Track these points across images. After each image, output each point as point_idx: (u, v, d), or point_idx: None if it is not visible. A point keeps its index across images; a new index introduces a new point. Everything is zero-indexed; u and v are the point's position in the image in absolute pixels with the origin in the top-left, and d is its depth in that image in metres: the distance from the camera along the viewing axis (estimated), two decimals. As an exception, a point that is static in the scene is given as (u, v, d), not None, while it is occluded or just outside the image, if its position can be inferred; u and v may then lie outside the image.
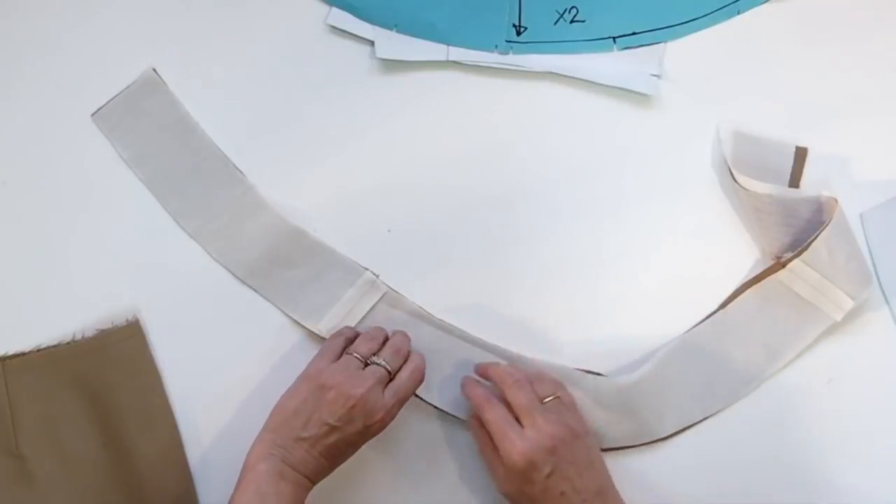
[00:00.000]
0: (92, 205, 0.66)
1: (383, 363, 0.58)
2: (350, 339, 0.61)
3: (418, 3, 0.68)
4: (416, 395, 0.63)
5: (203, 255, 0.65)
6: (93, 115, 0.67)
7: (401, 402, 0.58)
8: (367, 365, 0.59)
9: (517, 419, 0.57)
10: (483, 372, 0.62)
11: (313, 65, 0.68)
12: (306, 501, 0.56)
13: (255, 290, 0.65)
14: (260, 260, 0.65)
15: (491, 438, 0.58)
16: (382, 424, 0.57)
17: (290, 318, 0.65)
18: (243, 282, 0.65)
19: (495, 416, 0.58)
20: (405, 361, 0.60)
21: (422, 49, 0.68)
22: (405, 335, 0.62)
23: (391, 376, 0.59)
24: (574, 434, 0.57)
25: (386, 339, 0.61)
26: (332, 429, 0.56)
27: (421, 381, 0.60)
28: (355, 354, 0.59)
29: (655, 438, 0.64)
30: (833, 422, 0.65)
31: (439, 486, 0.64)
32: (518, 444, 0.56)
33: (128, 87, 0.67)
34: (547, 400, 0.58)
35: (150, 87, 0.67)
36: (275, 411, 0.58)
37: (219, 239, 0.65)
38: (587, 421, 0.62)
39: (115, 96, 0.67)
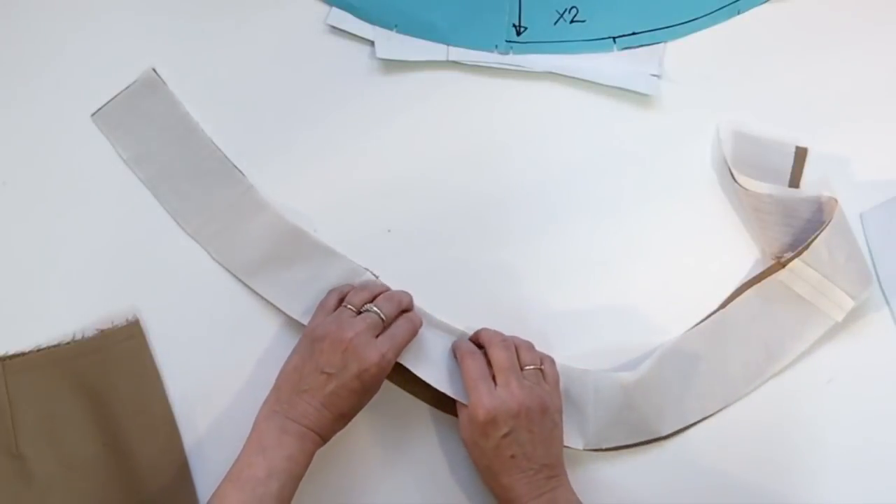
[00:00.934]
0: (92, 205, 0.66)
1: (375, 310, 0.59)
2: (344, 294, 0.62)
3: (418, 3, 0.68)
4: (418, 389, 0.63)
5: (203, 255, 0.65)
6: (93, 115, 0.67)
7: (395, 349, 0.58)
8: (359, 314, 0.59)
9: (494, 378, 0.59)
10: (475, 336, 0.63)
11: (313, 65, 0.68)
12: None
13: (255, 290, 0.65)
14: (260, 260, 0.65)
15: None
16: (379, 370, 0.57)
17: (290, 317, 0.64)
18: (243, 282, 0.65)
19: (472, 367, 0.59)
20: (402, 313, 0.61)
21: (422, 49, 0.68)
22: (407, 293, 0.62)
23: (386, 324, 0.59)
24: (542, 407, 0.58)
25: (381, 294, 0.62)
26: (329, 377, 0.56)
27: (416, 330, 0.61)
28: (348, 305, 0.60)
29: (655, 437, 0.64)
30: (833, 422, 0.65)
31: (435, 485, 0.64)
32: (485, 399, 0.57)
33: (128, 87, 0.67)
34: (528, 368, 0.60)
35: (150, 87, 0.67)
36: (279, 373, 0.59)
37: (219, 239, 0.65)
38: (582, 418, 0.62)
39: (115, 96, 0.67)
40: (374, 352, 0.57)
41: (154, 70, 0.67)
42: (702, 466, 0.64)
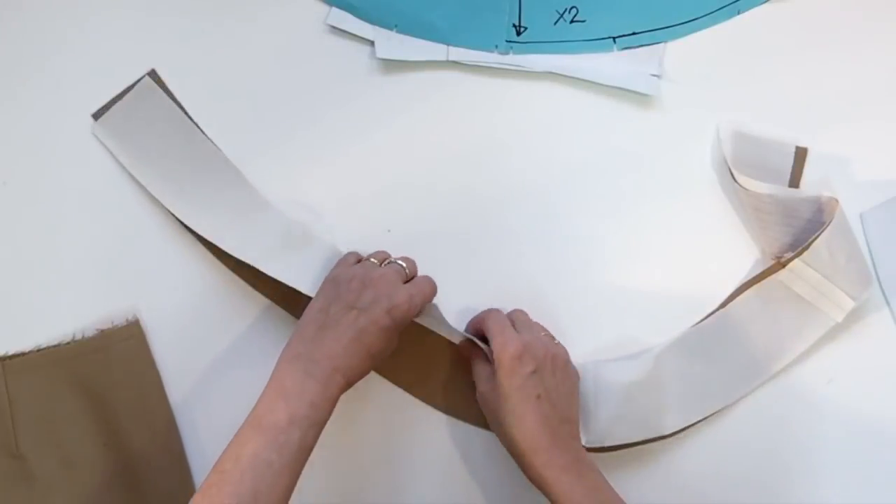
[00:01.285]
0: (92, 204, 0.66)
1: (400, 263, 0.60)
2: (361, 257, 0.63)
3: (418, 3, 0.68)
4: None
5: (203, 254, 0.65)
6: (93, 119, 0.67)
7: (421, 296, 0.58)
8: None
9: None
10: None
11: (313, 65, 0.68)
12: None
13: (256, 289, 0.65)
14: (260, 259, 0.65)
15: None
16: (409, 308, 0.56)
17: (292, 316, 0.64)
18: (243, 281, 0.65)
19: (496, 318, 0.61)
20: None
21: (422, 49, 0.68)
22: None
23: (408, 278, 0.60)
24: (564, 360, 0.60)
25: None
26: (359, 312, 0.55)
27: (435, 290, 0.60)
28: (371, 259, 0.61)
29: (655, 436, 0.64)
30: (833, 422, 0.65)
31: (438, 483, 0.64)
32: (511, 338, 0.58)
33: (128, 90, 0.67)
34: (544, 334, 0.62)
35: (150, 90, 0.67)
36: (301, 319, 0.57)
37: (219, 239, 0.65)
38: (584, 414, 0.62)
39: (115, 101, 0.67)
40: (403, 292, 0.57)
41: (154, 72, 0.67)
42: (702, 466, 0.64)
